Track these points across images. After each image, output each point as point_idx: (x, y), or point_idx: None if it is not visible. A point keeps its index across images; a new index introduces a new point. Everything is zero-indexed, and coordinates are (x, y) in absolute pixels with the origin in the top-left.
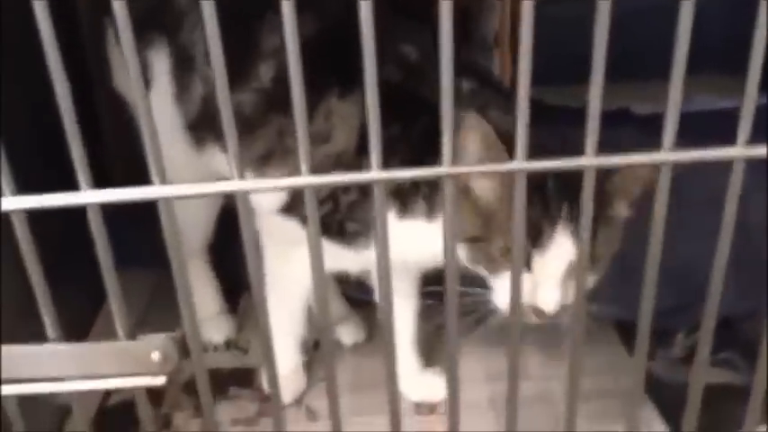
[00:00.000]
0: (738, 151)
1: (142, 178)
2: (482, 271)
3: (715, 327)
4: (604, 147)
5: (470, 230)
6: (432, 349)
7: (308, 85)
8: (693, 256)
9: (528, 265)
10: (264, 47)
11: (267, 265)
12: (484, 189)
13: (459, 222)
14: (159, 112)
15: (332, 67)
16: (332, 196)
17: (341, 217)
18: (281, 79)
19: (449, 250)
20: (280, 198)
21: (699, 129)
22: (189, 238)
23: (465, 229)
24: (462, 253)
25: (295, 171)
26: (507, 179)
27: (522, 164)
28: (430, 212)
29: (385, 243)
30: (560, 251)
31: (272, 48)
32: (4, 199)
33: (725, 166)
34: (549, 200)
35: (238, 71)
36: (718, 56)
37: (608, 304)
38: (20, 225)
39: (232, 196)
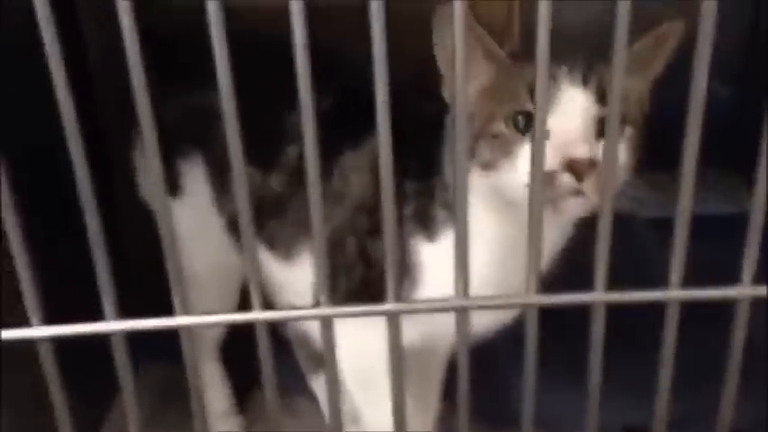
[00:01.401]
0: (743, 291)
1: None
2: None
3: None
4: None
5: (479, 125)
6: None
7: (324, 151)
8: (698, 367)
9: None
10: (290, 128)
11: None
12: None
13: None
14: (194, 217)
15: (343, 128)
16: (358, 251)
17: (377, 274)
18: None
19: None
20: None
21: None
22: (205, 336)
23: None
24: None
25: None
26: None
27: None
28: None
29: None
30: (574, 104)
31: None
32: (32, 329)
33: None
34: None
35: (270, 156)
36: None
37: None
38: (46, 353)
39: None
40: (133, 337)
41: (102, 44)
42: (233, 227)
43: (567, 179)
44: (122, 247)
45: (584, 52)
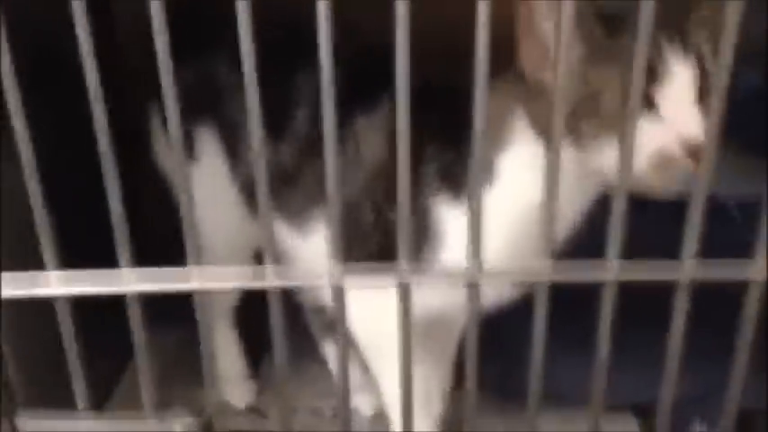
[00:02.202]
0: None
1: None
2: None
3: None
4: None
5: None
6: None
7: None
8: (710, 347)
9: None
10: (298, 92)
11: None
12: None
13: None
14: (210, 184)
15: (354, 90)
16: (374, 218)
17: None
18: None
19: None
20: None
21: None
22: (218, 298)
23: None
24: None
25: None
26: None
27: None
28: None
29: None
30: (683, 80)
31: (307, 93)
32: (50, 287)
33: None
34: None
35: (280, 122)
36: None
37: (625, 388)
38: (62, 310)
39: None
40: (149, 301)
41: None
42: (246, 193)
43: (683, 160)
44: (142, 213)
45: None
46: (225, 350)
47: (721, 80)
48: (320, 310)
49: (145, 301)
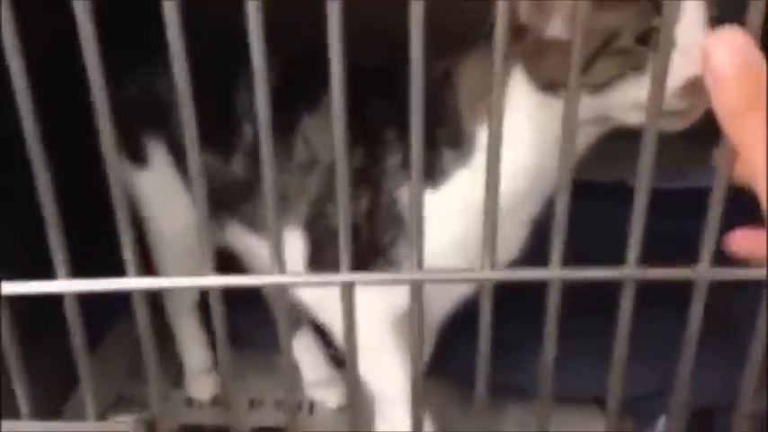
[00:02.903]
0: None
1: None
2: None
3: (695, 416)
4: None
5: (596, 43)
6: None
7: (278, 123)
8: (674, 342)
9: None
10: (241, 107)
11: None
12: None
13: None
14: (163, 191)
15: (295, 95)
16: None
17: (363, 236)
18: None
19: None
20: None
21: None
22: (181, 293)
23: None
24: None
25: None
26: None
27: None
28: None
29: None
30: (697, 13)
31: (248, 106)
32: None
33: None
34: None
35: (225, 137)
36: None
37: (589, 382)
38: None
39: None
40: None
41: None
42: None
43: (693, 94)
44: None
45: None
46: (189, 344)
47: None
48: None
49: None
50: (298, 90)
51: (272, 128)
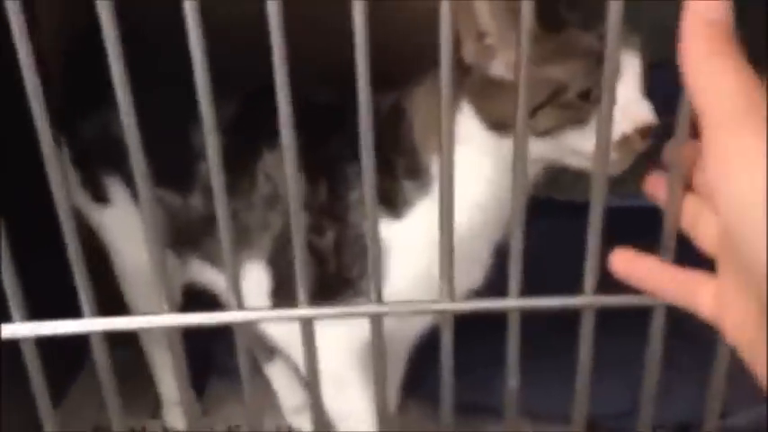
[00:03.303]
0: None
1: None
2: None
3: None
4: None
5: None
6: None
7: (239, 159)
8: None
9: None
10: (198, 143)
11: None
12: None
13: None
14: (125, 227)
15: (255, 132)
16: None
17: (332, 269)
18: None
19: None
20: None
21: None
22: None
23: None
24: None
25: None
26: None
27: None
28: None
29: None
30: (634, 69)
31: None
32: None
33: None
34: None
35: (184, 176)
36: None
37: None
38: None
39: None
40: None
41: None
42: (167, 244)
43: (639, 143)
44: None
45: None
46: (164, 375)
47: None
48: (260, 336)
49: None
50: (258, 125)
51: (233, 163)
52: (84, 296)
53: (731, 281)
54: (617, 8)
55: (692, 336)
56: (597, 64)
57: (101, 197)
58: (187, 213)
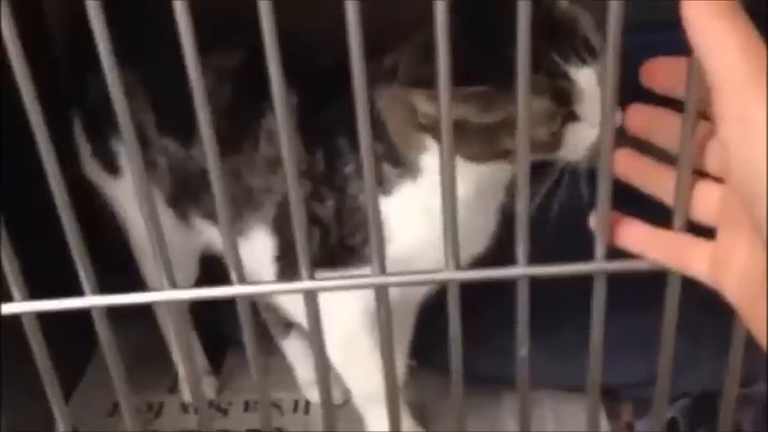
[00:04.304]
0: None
1: None
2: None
3: (696, 401)
4: None
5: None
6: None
7: (242, 118)
8: None
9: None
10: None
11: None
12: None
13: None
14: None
15: (258, 86)
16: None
17: (335, 236)
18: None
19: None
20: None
21: None
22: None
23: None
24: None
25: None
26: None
27: None
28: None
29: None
30: (588, 89)
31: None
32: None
33: None
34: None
35: (187, 125)
36: None
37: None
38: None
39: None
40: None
41: None
42: (172, 202)
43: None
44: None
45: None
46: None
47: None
48: (274, 309)
49: None
50: (262, 80)
51: (237, 117)
52: (84, 273)
53: (736, 241)
54: (617, 8)
55: (713, 305)
56: (559, 102)
57: (112, 168)
58: (189, 165)
